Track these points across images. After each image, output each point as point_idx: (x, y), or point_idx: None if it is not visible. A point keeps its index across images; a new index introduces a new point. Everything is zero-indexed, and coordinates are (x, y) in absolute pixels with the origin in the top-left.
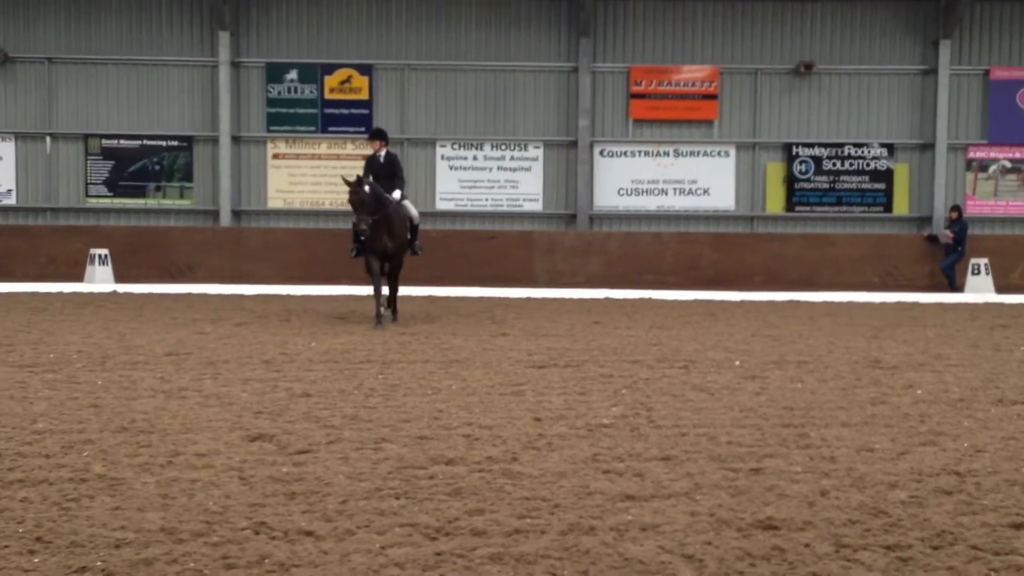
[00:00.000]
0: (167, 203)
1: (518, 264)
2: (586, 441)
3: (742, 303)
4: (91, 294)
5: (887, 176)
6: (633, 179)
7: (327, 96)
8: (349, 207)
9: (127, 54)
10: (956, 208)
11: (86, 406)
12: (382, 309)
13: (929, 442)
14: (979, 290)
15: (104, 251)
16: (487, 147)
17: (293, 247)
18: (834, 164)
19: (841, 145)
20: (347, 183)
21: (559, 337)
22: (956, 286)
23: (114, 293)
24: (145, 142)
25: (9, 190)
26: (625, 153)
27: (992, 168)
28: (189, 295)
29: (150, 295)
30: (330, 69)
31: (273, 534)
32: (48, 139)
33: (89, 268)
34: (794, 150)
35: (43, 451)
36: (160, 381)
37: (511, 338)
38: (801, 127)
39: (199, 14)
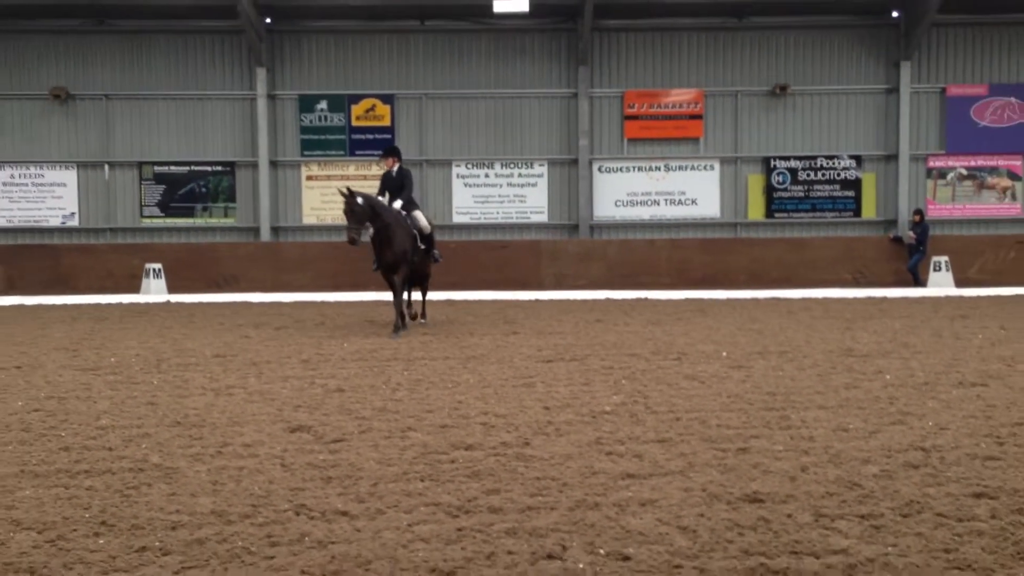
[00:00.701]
0: (213, 221)
1: (527, 270)
2: (590, 426)
3: (728, 301)
4: (147, 304)
5: (856, 185)
6: (628, 192)
7: (354, 123)
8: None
9: (176, 90)
10: (918, 212)
11: (144, 404)
12: (401, 320)
13: (898, 422)
14: (940, 285)
15: (158, 265)
16: (497, 166)
17: (326, 259)
18: (808, 175)
19: (814, 158)
20: (342, 194)
21: (565, 334)
22: (920, 282)
23: (167, 303)
24: (193, 168)
25: (73, 213)
26: (621, 169)
27: (950, 175)
28: (234, 303)
29: (199, 304)
30: (356, 99)
31: (312, 515)
32: (107, 167)
33: (145, 281)
34: (772, 163)
35: (106, 444)
36: (209, 380)
37: (522, 336)
38: (778, 142)
39: (239, 53)
